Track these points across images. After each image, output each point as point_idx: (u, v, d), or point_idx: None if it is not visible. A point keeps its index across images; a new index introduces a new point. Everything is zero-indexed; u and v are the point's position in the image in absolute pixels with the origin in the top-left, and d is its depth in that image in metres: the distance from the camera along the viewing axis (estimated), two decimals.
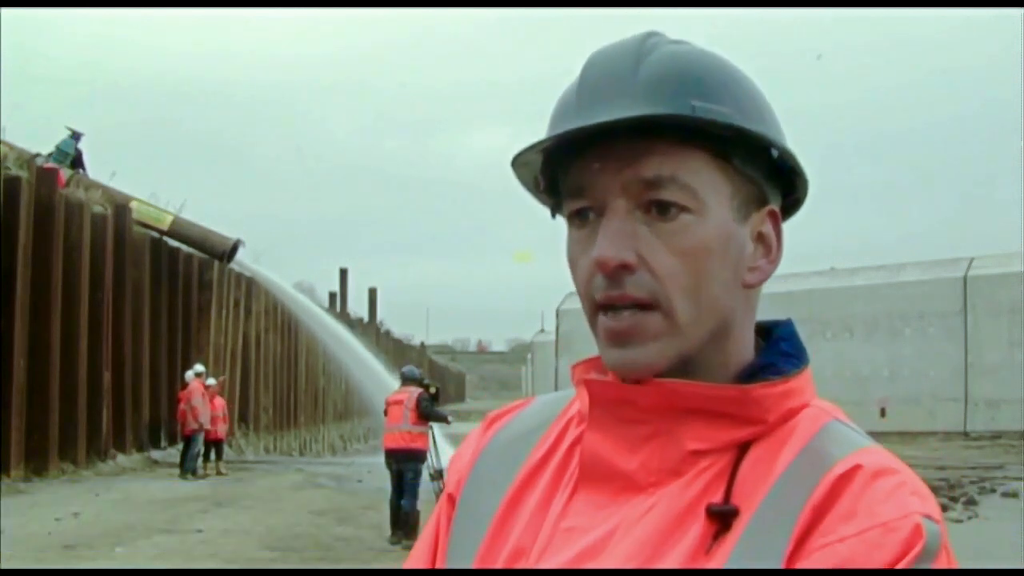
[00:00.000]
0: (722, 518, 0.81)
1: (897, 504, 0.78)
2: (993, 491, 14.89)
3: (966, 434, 27.10)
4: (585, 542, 0.85)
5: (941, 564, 0.77)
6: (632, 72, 0.84)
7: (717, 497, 0.82)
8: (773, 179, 0.90)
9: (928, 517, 0.78)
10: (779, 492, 0.81)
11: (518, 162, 0.90)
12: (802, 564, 0.77)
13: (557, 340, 38.56)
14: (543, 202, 0.94)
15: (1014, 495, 14.39)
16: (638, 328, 0.84)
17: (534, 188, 0.94)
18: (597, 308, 0.86)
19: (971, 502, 13.46)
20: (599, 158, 0.85)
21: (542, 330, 53.87)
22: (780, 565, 0.78)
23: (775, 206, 0.91)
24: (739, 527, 0.81)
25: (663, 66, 0.85)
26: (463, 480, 0.98)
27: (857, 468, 0.80)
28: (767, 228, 0.90)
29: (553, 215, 0.93)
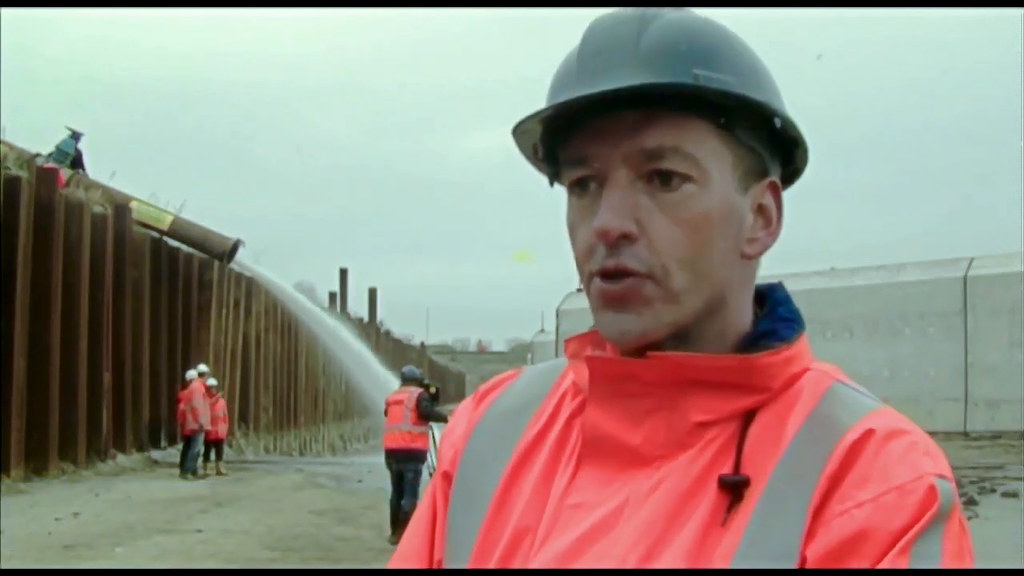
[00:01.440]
0: (734, 488, 0.81)
1: (910, 465, 0.79)
2: (993, 491, 14.86)
3: (966, 434, 27.05)
4: (594, 518, 0.84)
5: (954, 523, 0.78)
6: (634, 40, 0.84)
7: (727, 467, 0.82)
8: (773, 149, 0.89)
9: (941, 477, 0.79)
10: (791, 460, 0.81)
11: (518, 130, 0.89)
12: (821, 532, 0.78)
13: (557, 340, 38.51)
14: (541, 170, 0.93)
15: (1014, 495, 14.37)
16: (634, 294, 0.83)
17: (532, 156, 0.93)
18: (592, 275, 0.86)
19: (971, 502, 13.43)
20: (600, 128, 0.84)
21: (542, 330, 53.82)
22: (800, 534, 0.78)
23: (775, 177, 0.90)
24: (753, 497, 0.81)
25: (665, 34, 0.84)
26: (458, 456, 0.97)
27: (870, 432, 0.81)
28: (767, 200, 0.90)
29: (551, 183, 0.93)
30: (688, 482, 0.83)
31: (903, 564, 0.75)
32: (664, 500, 0.83)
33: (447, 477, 0.97)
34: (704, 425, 0.85)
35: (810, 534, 0.78)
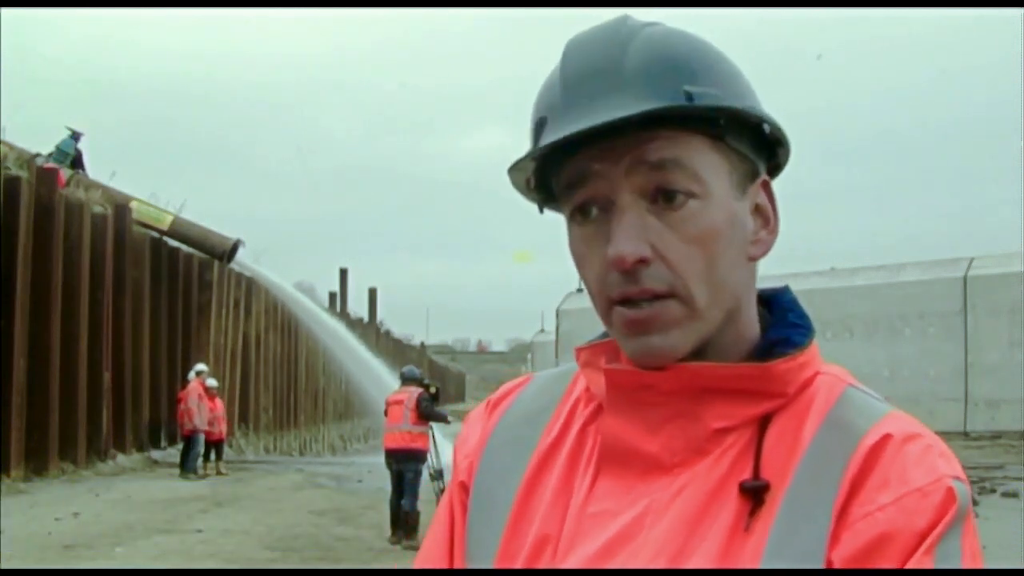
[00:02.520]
0: (755, 493, 0.82)
1: (928, 468, 0.81)
2: (993, 491, 14.86)
3: (966, 434, 27.02)
4: (617, 526, 0.85)
5: (970, 523, 0.81)
6: (617, 63, 0.84)
7: (746, 473, 0.83)
8: (760, 150, 0.91)
9: (957, 478, 0.81)
10: (811, 464, 0.83)
11: (515, 169, 0.90)
12: (845, 536, 0.79)
13: (557, 340, 38.47)
14: (531, 199, 0.94)
15: (1014, 495, 14.37)
16: (659, 316, 0.84)
17: (524, 188, 0.94)
18: (612, 303, 0.86)
19: (971, 502, 13.43)
20: (599, 154, 0.84)
21: (542, 330, 53.78)
22: (823, 539, 0.79)
23: (764, 175, 0.92)
24: (774, 502, 0.82)
25: (648, 53, 0.85)
26: (474, 467, 0.98)
27: (887, 437, 0.82)
28: (762, 198, 0.91)
29: (541, 210, 0.93)
30: (708, 488, 0.84)
31: (928, 564, 0.77)
32: (686, 507, 0.84)
33: (463, 488, 0.98)
34: (722, 431, 0.86)
35: (834, 537, 0.79)
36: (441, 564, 0.97)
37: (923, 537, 0.78)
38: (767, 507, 0.82)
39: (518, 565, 0.89)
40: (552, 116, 0.86)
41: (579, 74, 0.85)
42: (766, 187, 0.92)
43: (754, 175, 0.90)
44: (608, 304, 0.86)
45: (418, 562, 0.99)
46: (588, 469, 0.90)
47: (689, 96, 0.83)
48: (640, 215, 0.84)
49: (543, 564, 0.87)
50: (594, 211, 0.86)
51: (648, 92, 0.83)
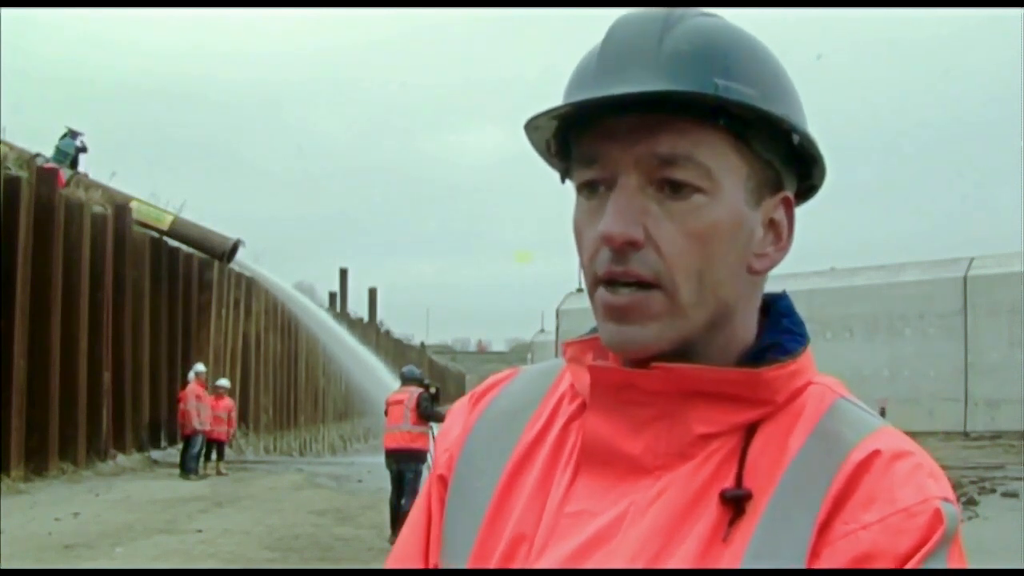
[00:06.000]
0: (736, 503, 0.80)
1: (916, 488, 0.79)
2: (993, 491, 14.84)
3: (966, 434, 27.02)
4: (594, 527, 0.83)
5: (956, 547, 0.78)
6: (656, 43, 0.82)
7: (728, 481, 0.82)
8: (790, 164, 0.88)
9: (946, 500, 0.79)
10: (795, 477, 0.81)
11: (531, 125, 0.88)
12: (826, 552, 0.77)
13: (557, 340, 38.46)
14: (553, 166, 0.92)
15: (1014, 495, 14.35)
16: (638, 306, 0.82)
17: (545, 152, 0.92)
18: (598, 281, 0.85)
19: (971, 502, 13.42)
20: (614, 130, 0.83)
21: (542, 330, 53.80)
22: (803, 553, 0.77)
23: (790, 192, 0.89)
24: (755, 512, 0.80)
25: (688, 40, 0.83)
26: (454, 460, 0.96)
27: (876, 453, 0.80)
28: (779, 215, 0.88)
29: (562, 180, 0.91)
30: (689, 494, 0.82)
31: None
32: (665, 512, 0.82)
33: (442, 480, 0.96)
34: (706, 437, 0.84)
35: (814, 553, 0.78)
36: (416, 560, 0.95)
37: (906, 559, 0.76)
38: (747, 517, 0.80)
39: (492, 564, 0.87)
40: (581, 82, 0.84)
41: (617, 47, 0.84)
42: (787, 205, 0.89)
43: (776, 187, 0.87)
44: (594, 282, 0.85)
45: (392, 558, 0.97)
46: (568, 467, 0.88)
47: (715, 88, 0.81)
48: (640, 198, 0.82)
49: (518, 564, 0.85)
50: (601, 189, 0.85)
51: (676, 76, 0.81)
